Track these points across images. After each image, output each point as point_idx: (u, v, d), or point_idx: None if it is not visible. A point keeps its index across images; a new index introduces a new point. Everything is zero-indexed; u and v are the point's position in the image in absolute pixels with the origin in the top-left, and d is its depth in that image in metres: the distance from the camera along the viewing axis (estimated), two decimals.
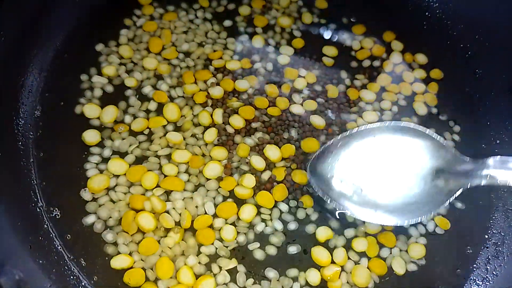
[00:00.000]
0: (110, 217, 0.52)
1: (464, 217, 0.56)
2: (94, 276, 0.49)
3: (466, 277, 0.53)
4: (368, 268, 0.52)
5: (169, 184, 0.54)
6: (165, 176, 0.54)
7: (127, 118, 0.57)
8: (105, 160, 0.54)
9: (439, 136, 0.51)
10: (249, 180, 0.54)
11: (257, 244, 0.52)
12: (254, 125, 0.58)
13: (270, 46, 0.65)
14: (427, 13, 0.68)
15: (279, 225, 0.53)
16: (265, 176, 0.55)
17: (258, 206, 0.53)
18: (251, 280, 0.50)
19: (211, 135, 0.57)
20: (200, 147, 0.56)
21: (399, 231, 0.54)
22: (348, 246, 0.53)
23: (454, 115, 0.62)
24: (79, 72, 0.60)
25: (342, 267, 0.51)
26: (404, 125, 0.52)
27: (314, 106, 0.60)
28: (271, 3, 0.69)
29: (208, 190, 0.54)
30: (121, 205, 0.52)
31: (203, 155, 0.56)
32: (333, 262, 0.52)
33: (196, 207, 0.53)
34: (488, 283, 0.52)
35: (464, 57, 0.65)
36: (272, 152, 0.56)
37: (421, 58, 0.66)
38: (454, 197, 0.48)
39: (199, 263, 0.50)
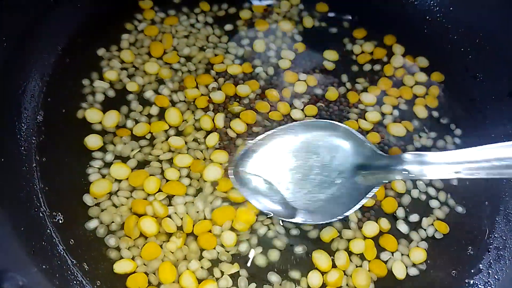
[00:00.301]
0: (113, 222, 0.52)
1: (465, 221, 0.56)
2: (97, 280, 0.49)
3: (468, 282, 0.53)
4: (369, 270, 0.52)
5: (171, 189, 0.54)
6: (167, 180, 0.54)
7: (129, 123, 0.58)
8: (107, 165, 0.55)
9: (358, 133, 0.52)
10: None
11: (260, 249, 0.52)
12: (255, 129, 0.58)
13: (271, 50, 0.65)
14: (427, 17, 0.68)
15: (281, 229, 0.53)
16: None
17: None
18: (253, 285, 0.50)
19: (213, 139, 0.57)
20: (201, 151, 0.56)
21: (400, 235, 0.54)
22: (345, 248, 0.53)
23: (455, 118, 0.62)
24: (81, 77, 0.60)
25: (344, 271, 0.51)
26: (326, 122, 0.53)
27: (315, 112, 0.60)
28: (272, 7, 0.69)
29: (208, 195, 0.54)
30: (124, 209, 0.53)
31: (205, 159, 0.56)
32: (334, 266, 0.52)
33: (197, 212, 0.53)
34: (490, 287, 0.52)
35: (464, 61, 0.65)
36: None
37: (422, 62, 0.66)
38: (373, 193, 0.50)
39: (201, 267, 0.50)
